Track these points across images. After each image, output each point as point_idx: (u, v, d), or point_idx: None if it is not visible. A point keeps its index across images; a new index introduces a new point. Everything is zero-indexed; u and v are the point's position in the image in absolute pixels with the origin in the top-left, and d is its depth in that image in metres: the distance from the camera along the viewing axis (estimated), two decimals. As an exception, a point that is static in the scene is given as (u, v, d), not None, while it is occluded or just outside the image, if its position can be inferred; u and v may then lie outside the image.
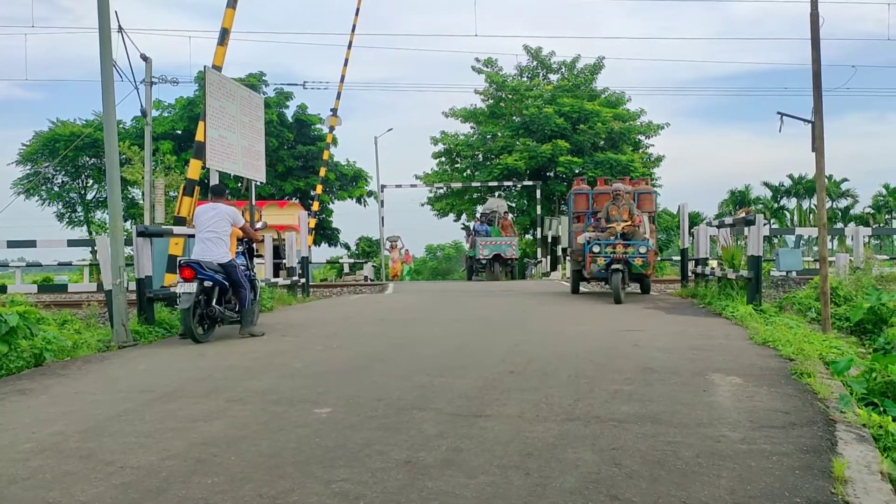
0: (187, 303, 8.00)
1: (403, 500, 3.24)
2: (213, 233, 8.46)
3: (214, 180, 11.29)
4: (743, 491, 3.26)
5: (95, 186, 38.06)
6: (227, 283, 8.52)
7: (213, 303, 8.42)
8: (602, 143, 30.70)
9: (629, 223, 12.43)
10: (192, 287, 8.03)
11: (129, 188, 32.78)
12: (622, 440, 4.03)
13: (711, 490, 3.27)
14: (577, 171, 28.44)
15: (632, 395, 5.14)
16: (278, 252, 17.35)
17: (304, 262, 16.09)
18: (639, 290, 14.12)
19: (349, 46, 27.09)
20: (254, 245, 9.61)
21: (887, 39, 33.37)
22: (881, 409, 4.81)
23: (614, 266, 11.96)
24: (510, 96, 32.75)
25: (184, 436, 4.30)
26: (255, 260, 12.84)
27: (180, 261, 8.41)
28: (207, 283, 8.28)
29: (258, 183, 13.52)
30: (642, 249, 12.19)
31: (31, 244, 12.00)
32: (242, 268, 8.84)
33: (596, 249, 12.20)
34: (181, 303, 8.05)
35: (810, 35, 8.68)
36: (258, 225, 10.41)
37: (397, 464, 3.71)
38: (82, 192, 38.62)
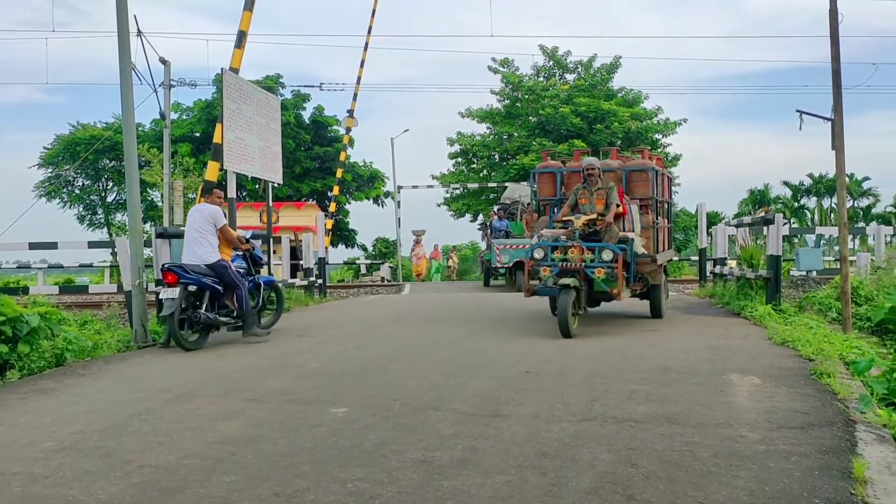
0: (170, 309, 7.62)
1: (419, 499, 3.24)
2: (196, 233, 8.09)
3: (232, 182, 11.37)
4: (761, 492, 3.23)
5: (115, 189, 38.39)
6: (218, 287, 8.11)
7: (203, 308, 7.99)
8: (619, 142, 30.59)
9: (599, 216, 8.47)
10: (175, 292, 7.66)
11: (149, 190, 33.03)
12: (639, 440, 4.02)
13: (729, 491, 3.25)
14: None
15: (648, 395, 5.12)
16: (295, 253, 17.43)
17: (321, 262, 16.16)
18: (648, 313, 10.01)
19: (365, 48, 27.16)
20: (259, 252, 9.15)
21: (909, 36, 32.84)
22: (902, 409, 4.76)
23: (563, 280, 7.96)
24: (526, 96, 32.68)
25: (202, 435, 4.34)
26: (273, 260, 12.95)
27: (163, 265, 8.07)
28: (192, 288, 7.90)
29: (275, 184, 13.60)
30: (606, 255, 8.04)
31: (53, 246, 12.16)
32: (241, 270, 8.47)
33: (538, 255, 8.29)
34: (165, 309, 7.72)
35: (829, 32, 8.61)
36: (246, 235, 9.79)
37: (413, 463, 3.72)
38: (103, 194, 38.99)
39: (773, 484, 3.32)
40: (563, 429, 4.29)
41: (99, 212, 39.07)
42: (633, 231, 8.97)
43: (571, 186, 9.42)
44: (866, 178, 54.57)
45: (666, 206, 10.70)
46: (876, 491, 3.20)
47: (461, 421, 4.54)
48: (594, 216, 8.39)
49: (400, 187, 30.69)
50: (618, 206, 8.54)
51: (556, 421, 4.48)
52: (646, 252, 9.13)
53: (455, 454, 3.85)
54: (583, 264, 8.07)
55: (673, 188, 11.17)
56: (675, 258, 13.11)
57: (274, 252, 13.70)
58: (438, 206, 35.69)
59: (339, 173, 29.55)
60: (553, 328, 8.66)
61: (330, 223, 28.61)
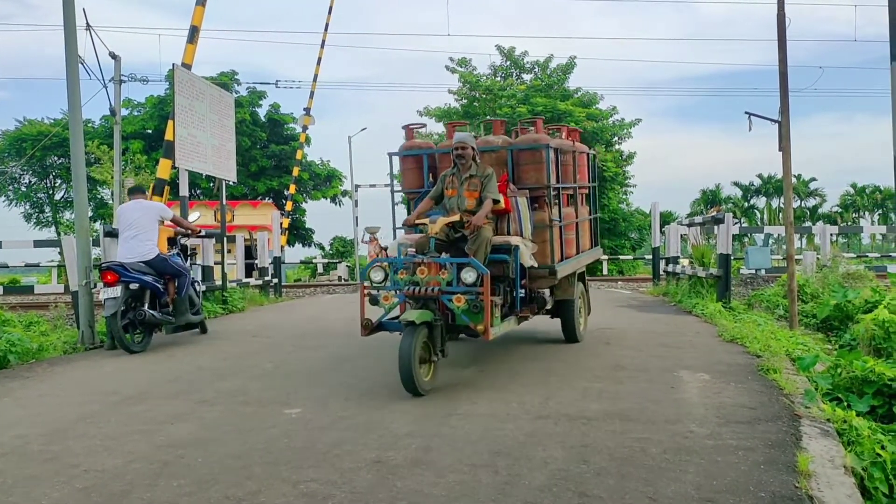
0: (112, 309, 7.36)
1: (372, 499, 3.22)
2: (138, 230, 7.88)
3: (184, 180, 11.17)
4: (709, 486, 3.29)
5: (64, 186, 37.38)
6: (159, 285, 7.90)
7: (146, 307, 7.73)
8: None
9: (466, 214, 6.14)
10: (117, 291, 7.42)
11: (99, 188, 32.28)
12: (591, 437, 4.06)
13: (678, 486, 3.30)
14: None
15: (601, 392, 5.18)
16: (250, 252, 17.21)
17: (277, 262, 15.98)
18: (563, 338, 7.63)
19: (322, 45, 26.96)
20: (189, 246, 9.05)
21: (854, 41, 33.91)
22: (845, 404, 4.89)
23: (406, 315, 5.37)
24: (484, 96, 32.78)
25: (150, 438, 4.25)
26: (228, 260, 12.76)
27: (101, 264, 7.83)
28: (134, 286, 7.64)
29: (229, 182, 13.39)
30: (468, 276, 5.40)
31: (-4, 245, 11.78)
32: (177, 263, 8.28)
33: (377, 276, 5.71)
34: (105, 310, 7.43)
35: (777, 36, 8.81)
36: (192, 216, 9.75)
37: (367, 463, 3.69)
38: (50, 192, 37.96)
39: (721, 478, 3.38)
40: (518, 427, 4.32)
41: (46, 210, 38.03)
42: (522, 234, 6.45)
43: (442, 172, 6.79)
44: (813, 179, 56.41)
45: (588, 191, 8.27)
46: (819, 484, 3.28)
47: (416, 420, 4.53)
48: (457, 217, 6.04)
49: (357, 186, 30.50)
50: (496, 200, 6.18)
51: (510, 419, 4.50)
52: (536, 263, 6.52)
53: (409, 454, 3.84)
54: (438, 288, 5.45)
55: (599, 166, 8.03)
56: (600, 258, 9.27)
57: (228, 251, 13.50)
58: (396, 205, 35.51)
59: (295, 172, 29.27)
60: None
61: (286, 222, 28.30)
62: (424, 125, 7.32)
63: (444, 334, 5.60)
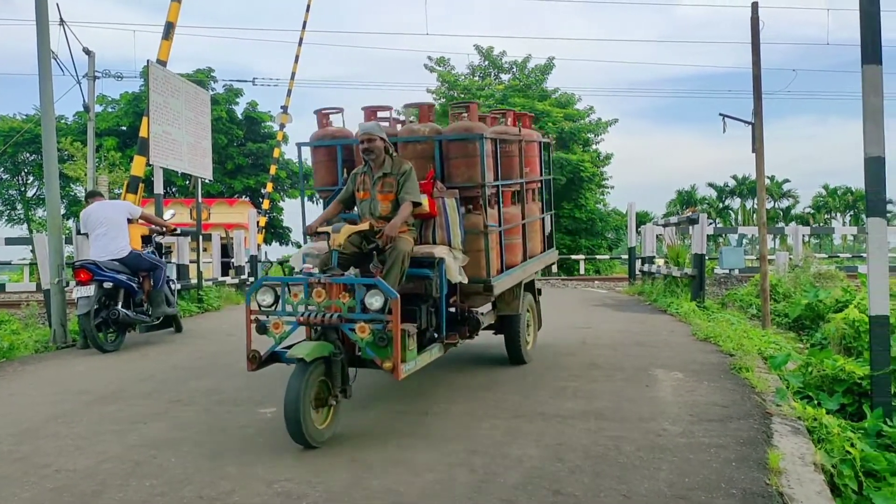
0: (86, 307, 7.27)
1: (347, 499, 3.22)
2: (108, 227, 7.80)
3: (159, 177, 11.06)
4: (681, 483, 3.33)
5: (36, 183, 36.94)
6: (133, 284, 7.79)
7: (120, 305, 7.62)
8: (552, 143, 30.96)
9: (378, 222, 4.98)
10: (91, 290, 7.34)
11: (72, 185, 31.85)
12: (566, 436, 4.09)
13: (651, 483, 3.34)
14: None
15: (577, 391, 5.21)
16: (226, 251, 17.07)
17: (253, 260, 15.87)
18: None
19: (300, 43, 26.76)
20: (163, 244, 8.97)
21: (827, 44, 34.36)
22: (816, 402, 4.98)
23: (296, 350, 4.24)
24: (462, 95, 32.81)
25: (123, 438, 4.21)
26: (203, 258, 12.66)
27: (75, 262, 7.71)
28: (108, 285, 7.54)
29: (205, 180, 13.28)
30: (373, 301, 4.23)
31: (-34, 242, 11.59)
32: (152, 257, 8.22)
33: (265, 299, 4.59)
34: (79, 308, 7.32)
35: (751, 39, 8.92)
36: (167, 214, 9.74)
37: (343, 462, 3.69)
38: (22, 189, 37.47)
39: (693, 475, 3.42)
40: (494, 426, 4.33)
41: (18, 207, 37.50)
42: (450, 243, 5.28)
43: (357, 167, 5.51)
44: (786, 181, 57.09)
45: (540, 185, 7.14)
46: (790, 481, 3.33)
47: (393, 419, 4.54)
48: (366, 225, 4.92)
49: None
50: (416, 203, 5.04)
51: (487, 418, 4.52)
52: (466, 279, 5.31)
53: (386, 453, 3.84)
54: (338, 315, 4.30)
55: (550, 157, 7.22)
56: (552, 262, 7.69)
57: (204, 250, 13.37)
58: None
59: (272, 170, 29.07)
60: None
61: (263, 220, 28.13)
62: (341, 110, 6.22)
63: (346, 370, 4.40)
